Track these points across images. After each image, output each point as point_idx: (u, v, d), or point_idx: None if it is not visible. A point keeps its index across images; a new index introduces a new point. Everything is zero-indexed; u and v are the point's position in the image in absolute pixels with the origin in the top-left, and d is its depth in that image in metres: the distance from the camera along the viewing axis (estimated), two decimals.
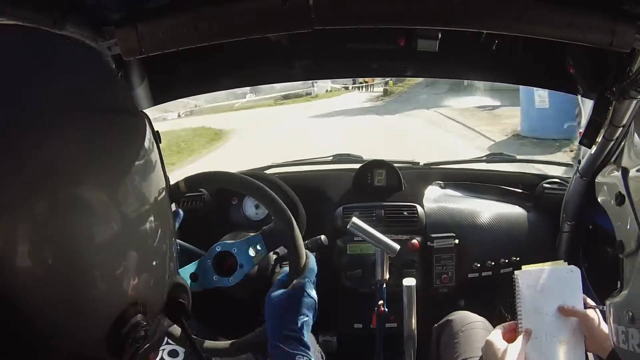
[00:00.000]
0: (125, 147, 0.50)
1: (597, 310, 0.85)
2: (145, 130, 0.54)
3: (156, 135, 0.58)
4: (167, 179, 0.59)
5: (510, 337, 0.86)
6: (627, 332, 0.49)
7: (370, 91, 15.49)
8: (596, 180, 0.75)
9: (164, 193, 0.56)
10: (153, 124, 0.57)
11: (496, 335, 0.87)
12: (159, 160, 0.56)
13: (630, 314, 0.49)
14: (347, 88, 16.06)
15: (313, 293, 0.82)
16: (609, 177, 0.62)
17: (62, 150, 0.42)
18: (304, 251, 0.87)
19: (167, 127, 8.60)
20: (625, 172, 0.54)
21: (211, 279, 0.92)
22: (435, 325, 1.25)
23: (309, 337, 0.80)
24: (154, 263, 0.53)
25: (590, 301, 0.87)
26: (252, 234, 0.93)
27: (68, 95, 0.45)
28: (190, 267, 0.91)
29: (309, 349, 0.78)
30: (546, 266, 0.91)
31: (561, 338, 0.85)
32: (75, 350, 0.44)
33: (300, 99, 14.83)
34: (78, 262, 0.42)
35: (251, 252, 0.92)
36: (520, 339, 0.84)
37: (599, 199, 0.68)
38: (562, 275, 0.89)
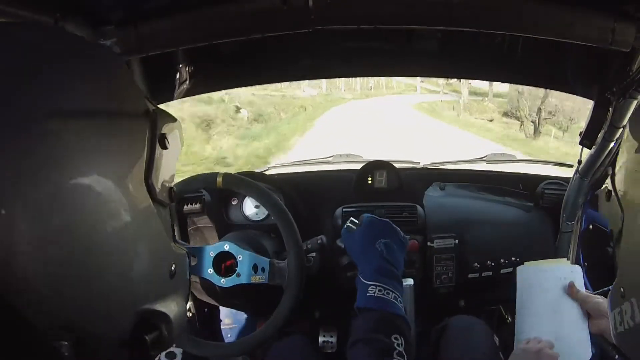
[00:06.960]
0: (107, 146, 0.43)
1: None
2: (144, 130, 0.47)
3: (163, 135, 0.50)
4: (151, 184, 0.48)
5: None
6: (621, 310, 0.49)
7: None
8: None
9: (144, 203, 0.47)
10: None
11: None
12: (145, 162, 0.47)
13: (622, 290, 0.49)
14: None
15: (378, 219, 0.91)
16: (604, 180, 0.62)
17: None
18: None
19: None
20: (612, 167, 0.56)
21: (205, 269, 0.92)
22: (434, 328, 1.24)
23: (399, 261, 0.82)
24: (108, 288, 0.44)
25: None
26: (262, 257, 0.94)
27: (76, 85, 0.42)
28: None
29: (390, 276, 0.76)
30: (550, 264, 0.91)
31: (559, 335, 0.83)
32: None
33: None
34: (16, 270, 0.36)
35: (253, 271, 0.92)
36: None
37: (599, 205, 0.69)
38: (563, 274, 0.88)
